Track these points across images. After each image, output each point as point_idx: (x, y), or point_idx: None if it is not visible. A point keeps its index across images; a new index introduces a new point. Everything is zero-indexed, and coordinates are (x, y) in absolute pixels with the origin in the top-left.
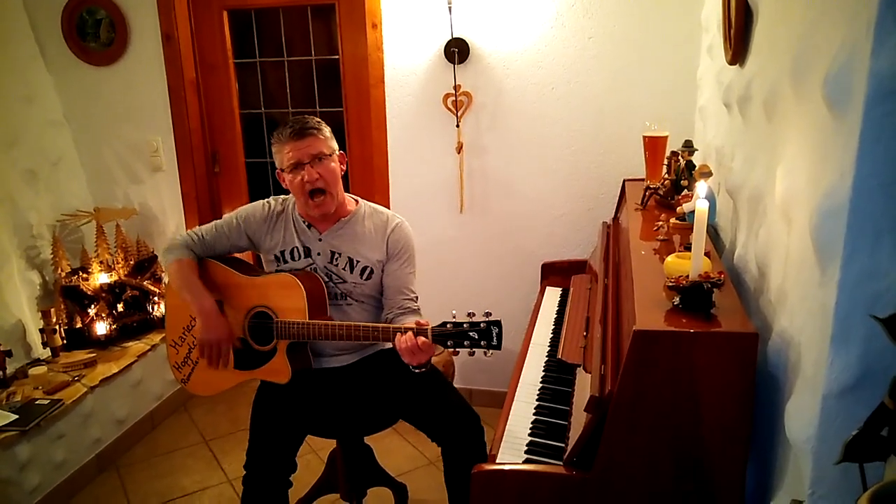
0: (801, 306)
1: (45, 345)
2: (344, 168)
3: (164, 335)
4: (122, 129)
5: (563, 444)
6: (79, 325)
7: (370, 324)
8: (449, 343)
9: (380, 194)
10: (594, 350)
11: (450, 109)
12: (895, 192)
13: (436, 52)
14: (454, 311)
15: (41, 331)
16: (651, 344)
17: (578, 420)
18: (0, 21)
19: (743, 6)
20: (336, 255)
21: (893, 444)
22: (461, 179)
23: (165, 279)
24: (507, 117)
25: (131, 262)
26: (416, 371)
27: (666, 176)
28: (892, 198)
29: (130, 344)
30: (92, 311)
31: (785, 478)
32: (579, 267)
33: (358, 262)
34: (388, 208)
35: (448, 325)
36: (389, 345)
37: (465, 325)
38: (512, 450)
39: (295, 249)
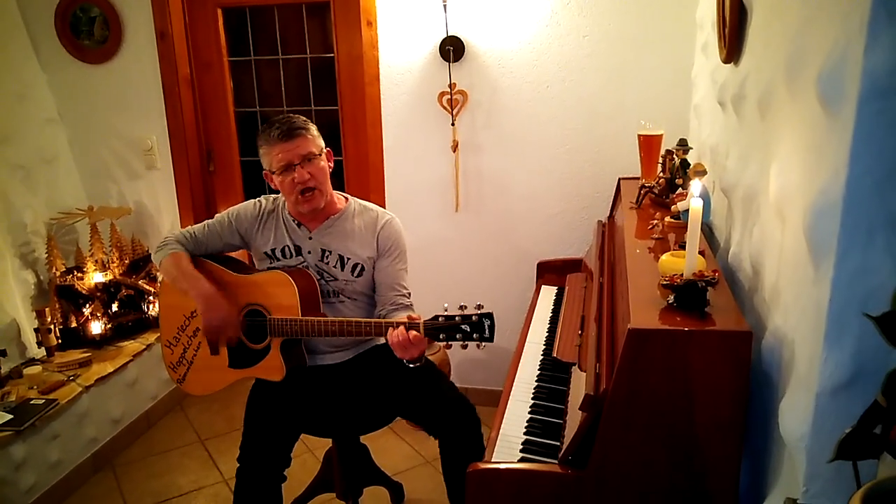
0: (794, 304)
1: (39, 344)
2: (331, 165)
3: (158, 335)
4: (117, 127)
5: (558, 443)
6: (74, 324)
7: (362, 319)
8: (441, 336)
9: (375, 193)
10: (589, 348)
11: (445, 108)
12: (888, 190)
13: (431, 51)
14: (446, 305)
15: (36, 330)
16: (645, 342)
17: (574, 418)
18: None
19: (737, 5)
20: (326, 253)
21: (886, 442)
22: (456, 178)
23: (160, 278)
24: (502, 116)
25: (126, 262)
26: (410, 366)
27: (661, 174)
28: (885, 195)
29: (125, 343)
30: (87, 311)
31: (779, 475)
32: (575, 266)
33: (348, 259)
34: (384, 207)
35: (440, 319)
36: (383, 341)
37: (456, 318)
38: (507, 448)
39: (286, 248)
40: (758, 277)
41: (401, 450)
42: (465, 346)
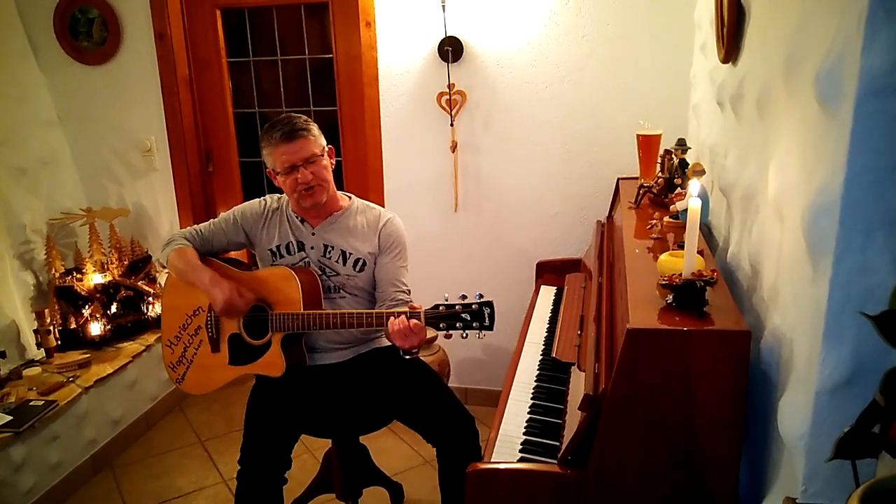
0: (793, 303)
1: (39, 345)
2: (334, 162)
3: (158, 335)
4: (116, 128)
5: (557, 443)
6: (73, 325)
7: (364, 311)
8: (441, 325)
9: (374, 193)
10: (588, 348)
11: (444, 108)
12: (886, 189)
13: (430, 51)
14: (447, 295)
15: (35, 331)
16: (644, 342)
17: (573, 418)
18: None
19: (735, 4)
20: (329, 249)
21: (885, 441)
22: (455, 178)
23: (160, 279)
24: (501, 116)
25: (125, 263)
26: (407, 357)
27: (659, 174)
28: (883, 194)
29: (125, 344)
30: (86, 312)
31: (778, 474)
32: (574, 266)
33: (350, 254)
34: (383, 206)
35: (440, 308)
36: (384, 341)
37: (457, 307)
38: (507, 449)
39: (290, 244)
40: (756, 277)
41: (400, 450)
42: (465, 336)
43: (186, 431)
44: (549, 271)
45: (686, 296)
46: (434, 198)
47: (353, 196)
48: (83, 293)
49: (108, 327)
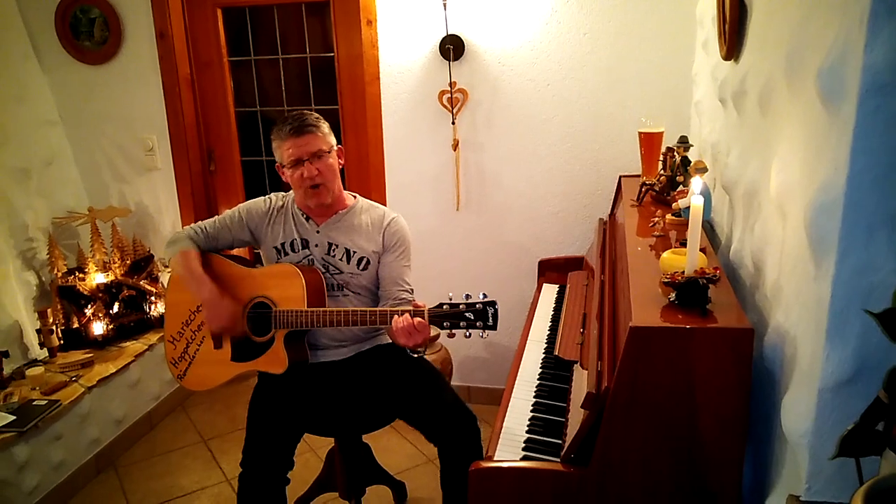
0: (796, 301)
1: (41, 345)
2: (342, 162)
3: (161, 335)
4: (117, 127)
5: (560, 441)
6: (76, 325)
7: (367, 308)
8: (445, 324)
9: (376, 192)
10: (591, 346)
11: (445, 106)
12: (889, 186)
13: (431, 49)
14: (451, 294)
15: (38, 331)
16: (647, 340)
17: (576, 416)
18: None
19: (737, 1)
20: (333, 247)
21: (889, 439)
22: (457, 177)
23: (162, 279)
24: (503, 114)
25: (128, 262)
26: (414, 355)
27: (661, 172)
28: (885, 192)
29: (128, 344)
30: (89, 312)
31: (782, 472)
32: (576, 263)
33: (354, 252)
34: (385, 205)
35: (444, 307)
36: (386, 339)
37: (461, 306)
38: (509, 447)
39: (294, 241)
40: (759, 274)
41: (403, 449)
42: (468, 335)
43: (189, 431)
44: (552, 269)
45: (689, 293)
46: (436, 196)
47: (358, 195)
48: (86, 293)
49: (111, 327)
